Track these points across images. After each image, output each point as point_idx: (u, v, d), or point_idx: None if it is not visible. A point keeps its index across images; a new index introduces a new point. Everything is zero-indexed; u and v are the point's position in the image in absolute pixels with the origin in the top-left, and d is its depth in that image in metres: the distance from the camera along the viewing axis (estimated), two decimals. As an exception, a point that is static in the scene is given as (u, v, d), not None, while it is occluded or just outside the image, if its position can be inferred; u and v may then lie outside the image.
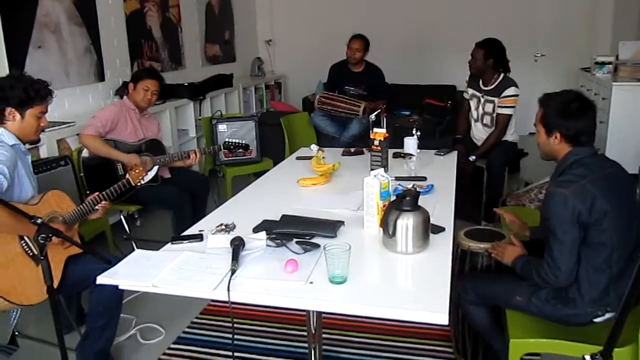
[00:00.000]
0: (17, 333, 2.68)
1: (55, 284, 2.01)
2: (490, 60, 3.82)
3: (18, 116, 2.21)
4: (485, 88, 3.92)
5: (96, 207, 2.40)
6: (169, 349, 2.61)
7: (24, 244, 2.10)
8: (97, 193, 2.44)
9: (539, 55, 6.74)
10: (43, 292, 1.79)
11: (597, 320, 1.87)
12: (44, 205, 2.24)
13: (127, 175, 2.53)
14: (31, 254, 2.10)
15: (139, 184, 2.56)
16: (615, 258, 1.82)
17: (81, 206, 2.37)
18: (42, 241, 1.73)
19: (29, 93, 2.20)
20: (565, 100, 1.94)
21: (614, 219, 1.79)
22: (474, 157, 3.87)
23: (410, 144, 2.93)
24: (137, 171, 2.55)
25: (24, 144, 2.30)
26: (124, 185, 2.55)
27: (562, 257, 1.80)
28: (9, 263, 2.05)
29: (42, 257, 1.74)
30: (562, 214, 1.79)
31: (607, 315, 1.88)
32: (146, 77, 3.42)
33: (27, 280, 2.05)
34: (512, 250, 2.05)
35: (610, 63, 5.06)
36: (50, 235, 1.76)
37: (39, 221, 1.76)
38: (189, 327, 2.79)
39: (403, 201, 1.74)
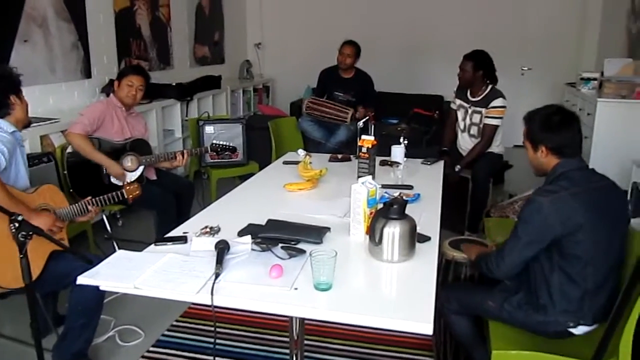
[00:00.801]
0: (-8, 331, 2.64)
1: (37, 274, 2.07)
2: (480, 72, 3.85)
3: (18, 100, 2.32)
4: (473, 99, 3.94)
5: (89, 208, 2.45)
6: (148, 351, 2.58)
7: (12, 227, 2.07)
8: (89, 198, 2.48)
9: (526, 68, 6.82)
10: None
11: (573, 331, 1.88)
12: (38, 195, 2.30)
13: (123, 189, 2.61)
14: None
15: (131, 200, 2.63)
16: (591, 272, 1.83)
17: (74, 206, 2.41)
18: (22, 239, 1.69)
19: (18, 76, 2.33)
20: (547, 114, 1.97)
21: (590, 233, 1.80)
22: (459, 167, 3.90)
23: (398, 152, 2.93)
24: (133, 187, 2.62)
25: (20, 131, 2.37)
26: (118, 197, 2.60)
27: (511, 251, 1.87)
28: None
29: (21, 256, 1.70)
30: (533, 219, 1.83)
31: (586, 328, 1.89)
32: (130, 73, 3.39)
33: (9, 264, 2.00)
34: (479, 249, 2.14)
35: (595, 79, 5.12)
36: (30, 232, 1.73)
37: (19, 218, 1.72)
38: (168, 329, 2.76)
39: (390, 209, 1.73)
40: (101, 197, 2.53)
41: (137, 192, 2.63)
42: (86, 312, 2.26)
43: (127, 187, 2.62)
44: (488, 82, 3.91)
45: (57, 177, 3.22)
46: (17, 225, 1.71)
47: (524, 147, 2.05)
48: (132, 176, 3.30)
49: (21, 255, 1.70)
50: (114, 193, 2.58)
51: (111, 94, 3.47)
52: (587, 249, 1.81)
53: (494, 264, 1.91)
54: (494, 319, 2.02)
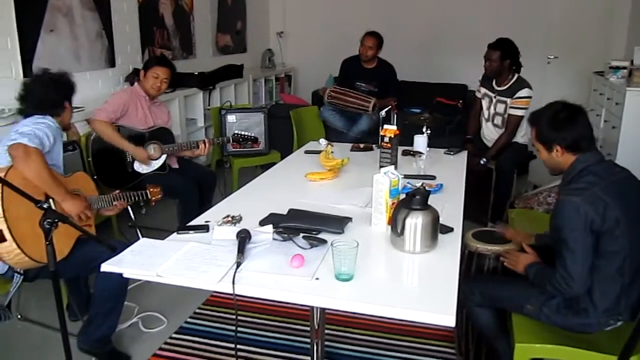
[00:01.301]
0: (19, 316, 2.69)
1: (65, 254, 2.17)
2: (507, 61, 3.77)
3: (69, 107, 2.52)
4: (499, 88, 3.88)
5: (114, 202, 2.56)
6: (171, 338, 2.61)
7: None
8: (117, 192, 2.59)
9: (552, 57, 6.67)
10: None
11: (608, 328, 1.85)
12: (74, 180, 2.42)
13: (147, 191, 2.72)
14: None
15: (154, 202, 2.75)
16: (627, 266, 1.80)
17: (102, 196, 2.51)
18: (47, 226, 1.71)
19: (74, 86, 2.55)
20: (554, 113, 1.92)
21: (626, 226, 1.76)
22: (484, 160, 3.84)
23: (420, 142, 2.90)
24: (156, 190, 2.74)
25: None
26: (142, 196, 2.70)
27: (575, 266, 1.77)
28: (30, 219, 2.04)
29: (47, 242, 1.72)
30: (574, 222, 1.76)
31: (617, 324, 1.85)
32: (156, 65, 3.40)
33: (41, 240, 2.05)
34: (525, 258, 2.03)
35: (624, 68, 5.00)
36: (56, 220, 1.75)
37: (45, 205, 1.74)
38: (191, 317, 2.79)
39: (413, 200, 1.71)
40: (127, 193, 2.62)
41: (160, 196, 2.76)
42: (111, 298, 2.30)
43: (151, 190, 2.73)
44: (514, 69, 3.83)
45: (82, 165, 3.26)
46: (42, 212, 1.72)
47: (535, 149, 2.01)
48: (155, 164, 3.34)
49: (47, 242, 1.72)
50: (138, 192, 2.69)
51: (136, 83, 3.49)
52: (624, 242, 1.77)
53: (564, 285, 1.79)
54: (530, 319, 1.98)
